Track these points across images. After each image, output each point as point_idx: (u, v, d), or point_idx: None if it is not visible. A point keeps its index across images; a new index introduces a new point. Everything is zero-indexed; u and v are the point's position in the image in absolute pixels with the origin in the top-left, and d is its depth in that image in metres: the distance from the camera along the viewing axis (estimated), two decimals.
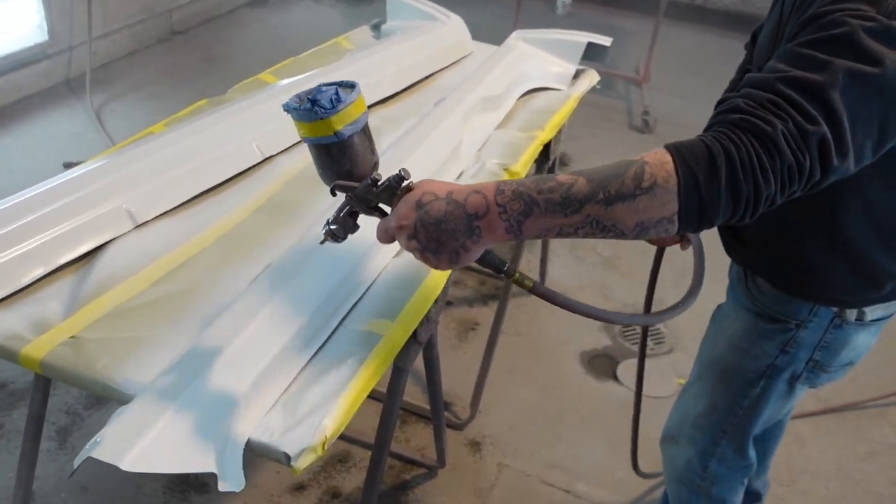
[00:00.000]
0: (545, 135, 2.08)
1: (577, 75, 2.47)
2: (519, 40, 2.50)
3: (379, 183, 0.97)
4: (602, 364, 2.71)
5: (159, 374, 1.14)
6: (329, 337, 1.31)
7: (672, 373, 2.69)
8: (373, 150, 1.02)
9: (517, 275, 1.01)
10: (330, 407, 1.14)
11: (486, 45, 2.66)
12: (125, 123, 3.80)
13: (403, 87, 2.23)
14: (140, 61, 4.47)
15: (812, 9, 0.93)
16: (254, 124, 1.85)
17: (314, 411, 1.14)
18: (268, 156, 1.82)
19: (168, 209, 1.59)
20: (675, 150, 0.87)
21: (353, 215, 1.04)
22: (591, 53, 2.51)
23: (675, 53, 5.06)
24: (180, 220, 1.57)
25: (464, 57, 2.56)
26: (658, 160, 0.86)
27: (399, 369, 1.49)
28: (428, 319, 1.49)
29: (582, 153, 3.95)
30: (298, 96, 0.97)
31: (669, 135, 4.28)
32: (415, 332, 1.44)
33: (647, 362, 2.71)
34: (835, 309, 1.30)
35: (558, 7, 5.73)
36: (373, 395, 1.53)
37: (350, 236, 1.28)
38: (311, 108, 0.95)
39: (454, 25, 2.57)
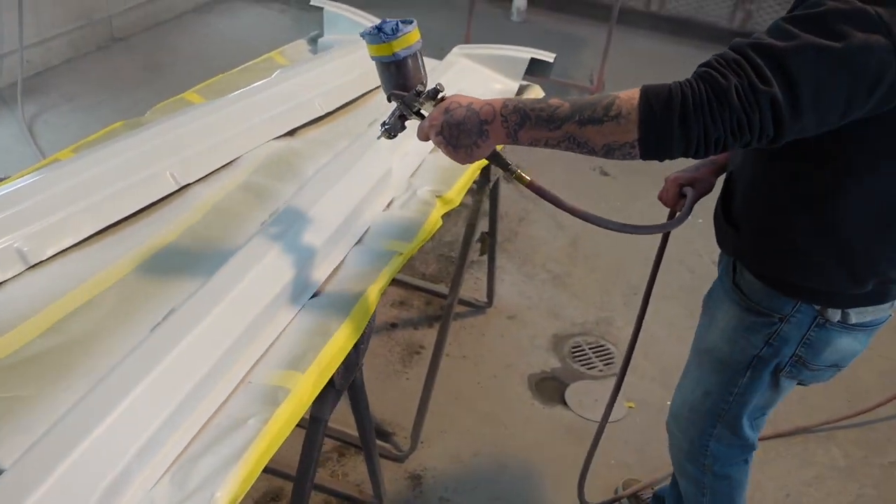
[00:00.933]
0: None
1: (520, 91, 2.40)
2: (460, 56, 2.41)
3: (421, 94, 1.26)
4: (550, 388, 2.63)
5: (32, 444, 1.03)
6: (230, 395, 1.20)
7: (621, 396, 2.62)
8: (421, 70, 1.29)
9: (518, 172, 1.29)
10: (224, 477, 1.04)
11: (428, 59, 2.56)
12: (58, 136, 3.64)
13: (336, 107, 2.13)
14: (77, 70, 4.30)
15: None
16: (170, 150, 1.73)
17: (206, 483, 1.03)
18: (184, 184, 1.70)
19: (67, 247, 1.47)
20: (643, 89, 1.06)
21: (402, 118, 1.32)
22: (536, 68, 2.44)
23: (629, 61, 5.01)
24: (79, 261, 1.45)
25: None
26: (628, 96, 1.07)
27: (316, 420, 1.39)
28: (347, 366, 1.39)
29: (534, 163, 3.88)
30: (372, 26, 1.24)
31: None
32: (333, 379, 1.35)
33: (595, 384, 2.66)
34: (817, 307, 1.34)
35: (513, 14, 5.66)
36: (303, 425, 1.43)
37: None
38: (377, 34, 1.23)
39: None
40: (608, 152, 1.10)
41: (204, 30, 5.03)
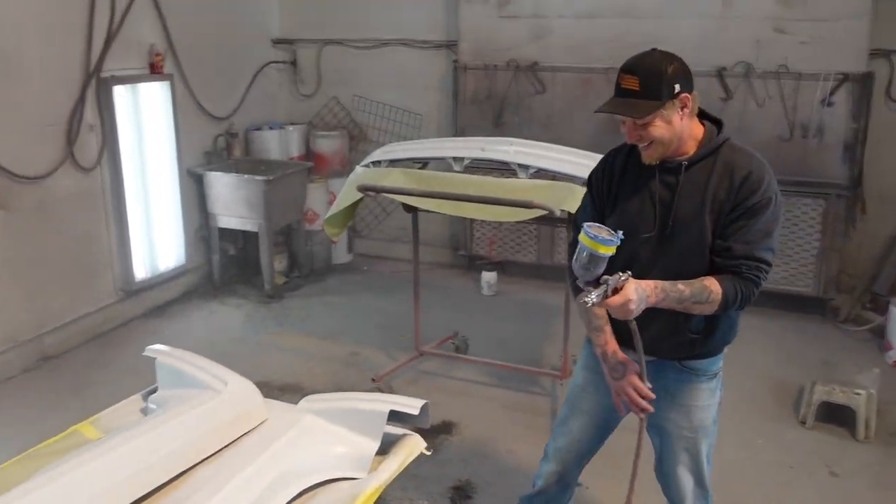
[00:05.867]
0: None
1: (386, 451, 1.89)
2: (307, 411, 1.95)
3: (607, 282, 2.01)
4: None
5: None
6: None
7: None
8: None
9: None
10: None
11: (287, 404, 2.09)
12: None
13: (150, 489, 1.64)
14: None
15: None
16: None
17: None
18: None
19: None
20: (723, 292, 2.05)
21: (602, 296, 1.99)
22: (412, 416, 1.95)
23: None
24: None
25: (248, 432, 1.99)
26: (717, 291, 2.04)
27: None
28: None
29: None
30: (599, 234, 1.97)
31: None
32: None
33: None
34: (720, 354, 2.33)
35: (483, 287, 5.35)
36: None
37: None
38: (595, 237, 1.95)
39: (239, 393, 2.01)
40: (701, 312, 2.09)
41: (151, 337, 4.74)
